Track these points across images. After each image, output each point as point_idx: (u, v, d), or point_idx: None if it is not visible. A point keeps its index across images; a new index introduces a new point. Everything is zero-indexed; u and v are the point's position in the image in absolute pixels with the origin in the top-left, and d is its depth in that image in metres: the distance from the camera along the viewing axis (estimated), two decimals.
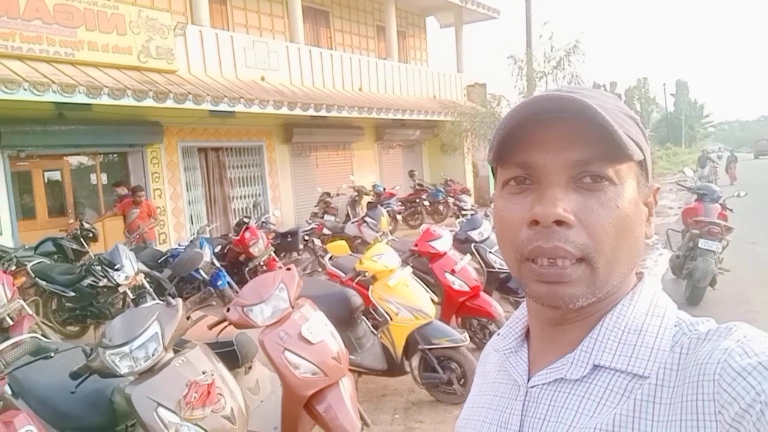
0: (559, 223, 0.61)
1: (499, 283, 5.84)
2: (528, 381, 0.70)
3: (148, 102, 8.25)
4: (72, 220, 8.81)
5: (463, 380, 4.09)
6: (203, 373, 2.50)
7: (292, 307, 3.17)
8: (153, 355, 2.41)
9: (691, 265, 6.02)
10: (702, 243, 6.04)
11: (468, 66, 18.18)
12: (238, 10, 12.59)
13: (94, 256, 6.21)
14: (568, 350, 0.67)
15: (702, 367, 0.56)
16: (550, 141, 0.63)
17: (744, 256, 8.18)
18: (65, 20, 7.89)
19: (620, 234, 0.62)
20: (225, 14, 12.32)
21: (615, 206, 0.62)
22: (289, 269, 3.31)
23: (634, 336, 0.64)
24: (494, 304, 5.01)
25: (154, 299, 5.51)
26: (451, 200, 13.79)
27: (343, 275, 4.76)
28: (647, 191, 0.68)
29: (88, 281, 5.85)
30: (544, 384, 0.68)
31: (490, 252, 5.82)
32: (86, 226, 7.68)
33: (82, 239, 7.23)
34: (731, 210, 6.87)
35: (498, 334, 0.79)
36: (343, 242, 4.95)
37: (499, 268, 5.78)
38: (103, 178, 10.19)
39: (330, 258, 5.22)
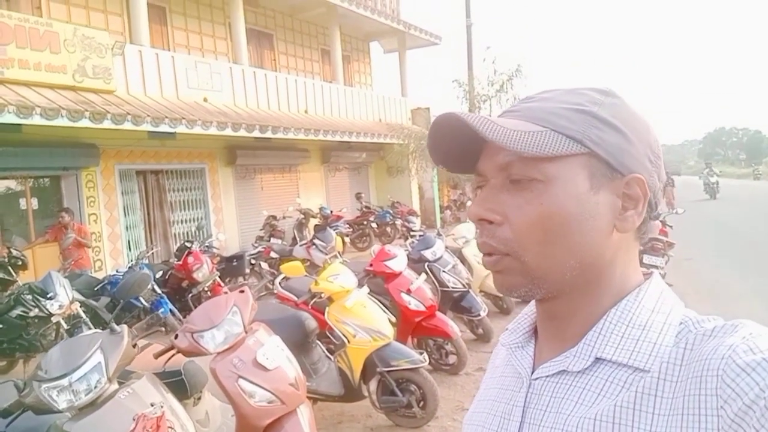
0: (490, 221, 0.67)
1: (453, 303, 5.80)
2: (532, 374, 0.71)
3: (84, 123, 7.86)
4: None
5: (422, 402, 3.99)
6: (152, 405, 2.30)
7: (246, 332, 2.99)
8: (96, 387, 2.19)
9: None
10: (646, 259, 6.21)
11: (414, 91, 18.46)
12: (179, 31, 12.32)
13: (24, 284, 5.79)
14: (573, 344, 0.68)
15: (706, 362, 0.56)
16: (487, 149, 0.69)
17: (682, 271, 8.49)
18: None
19: (548, 229, 0.64)
20: (165, 34, 12.02)
21: (539, 203, 0.64)
22: (242, 291, 3.14)
23: (638, 331, 0.64)
24: (450, 323, 4.96)
25: (90, 329, 5.17)
26: (399, 222, 13.79)
27: (296, 298, 4.60)
28: (618, 183, 0.66)
29: (17, 312, 5.40)
30: (547, 376, 0.69)
31: (443, 271, 5.79)
32: (14, 253, 7.16)
33: (9, 267, 6.74)
34: (671, 227, 7.12)
35: (507, 330, 0.81)
36: (298, 263, 4.79)
37: (452, 287, 5.75)
38: (34, 203, 9.61)
39: (281, 280, 5.04)
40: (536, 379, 0.70)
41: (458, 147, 0.71)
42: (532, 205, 0.64)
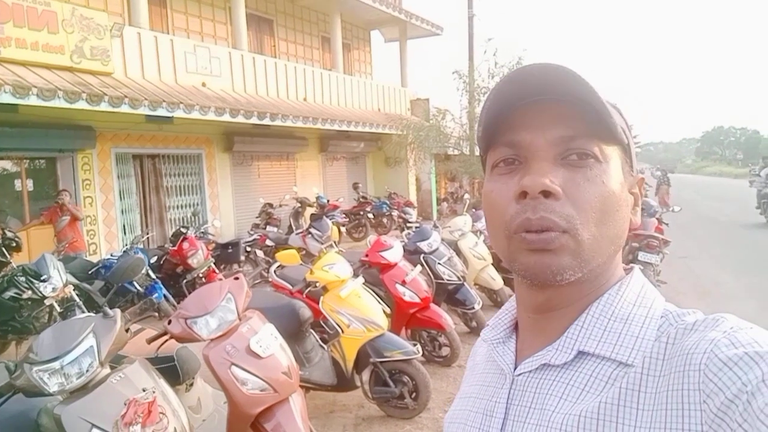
0: (547, 194, 0.62)
1: (447, 295, 5.81)
2: (515, 370, 0.71)
3: (81, 104, 7.80)
4: None
5: (414, 394, 4.00)
6: (143, 390, 2.29)
7: (240, 319, 2.98)
8: (87, 371, 2.18)
9: None
10: (641, 256, 6.22)
11: (414, 81, 18.37)
12: (179, 14, 12.22)
13: (18, 266, 5.76)
14: (555, 338, 0.68)
15: (688, 356, 0.56)
16: (536, 120, 0.65)
17: (677, 269, 8.52)
18: None
19: (605, 209, 0.63)
20: (165, 17, 11.92)
21: (601, 182, 0.63)
22: (237, 279, 3.12)
23: (620, 324, 0.64)
24: (444, 315, 4.96)
25: (83, 312, 5.15)
26: (395, 213, 13.78)
27: (291, 286, 4.59)
28: (632, 180, 0.69)
29: (10, 293, 5.38)
30: (530, 372, 0.68)
31: (439, 263, 5.79)
32: (9, 234, 7.12)
33: (3, 249, 6.71)
34: (667, 224, 7.12)
35: (488, 325, 0.80)
36: (294, 251, 4.77)
37: (447, 280, 5.75)
38: (29, 184, 9.55)
39: (276, 269, 5.03)
40: (519, 375, 0.69)
41: (498, 109, 0.66)
42: (593, 183, 0.63)
